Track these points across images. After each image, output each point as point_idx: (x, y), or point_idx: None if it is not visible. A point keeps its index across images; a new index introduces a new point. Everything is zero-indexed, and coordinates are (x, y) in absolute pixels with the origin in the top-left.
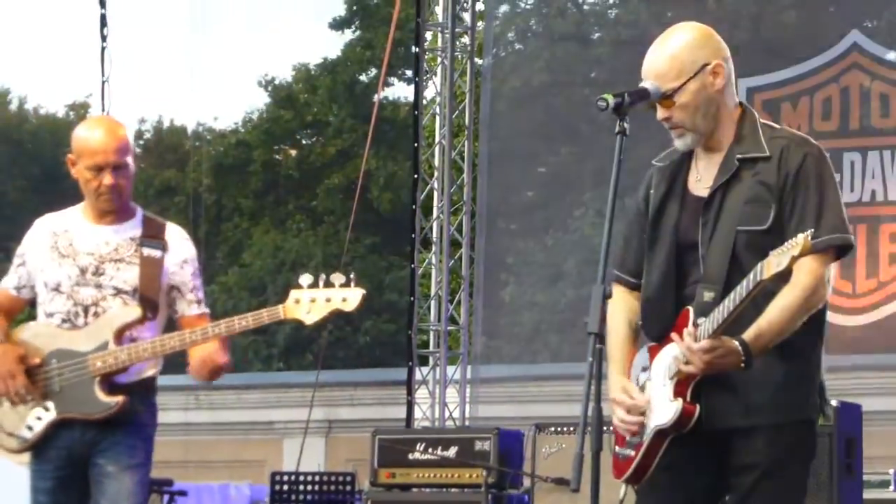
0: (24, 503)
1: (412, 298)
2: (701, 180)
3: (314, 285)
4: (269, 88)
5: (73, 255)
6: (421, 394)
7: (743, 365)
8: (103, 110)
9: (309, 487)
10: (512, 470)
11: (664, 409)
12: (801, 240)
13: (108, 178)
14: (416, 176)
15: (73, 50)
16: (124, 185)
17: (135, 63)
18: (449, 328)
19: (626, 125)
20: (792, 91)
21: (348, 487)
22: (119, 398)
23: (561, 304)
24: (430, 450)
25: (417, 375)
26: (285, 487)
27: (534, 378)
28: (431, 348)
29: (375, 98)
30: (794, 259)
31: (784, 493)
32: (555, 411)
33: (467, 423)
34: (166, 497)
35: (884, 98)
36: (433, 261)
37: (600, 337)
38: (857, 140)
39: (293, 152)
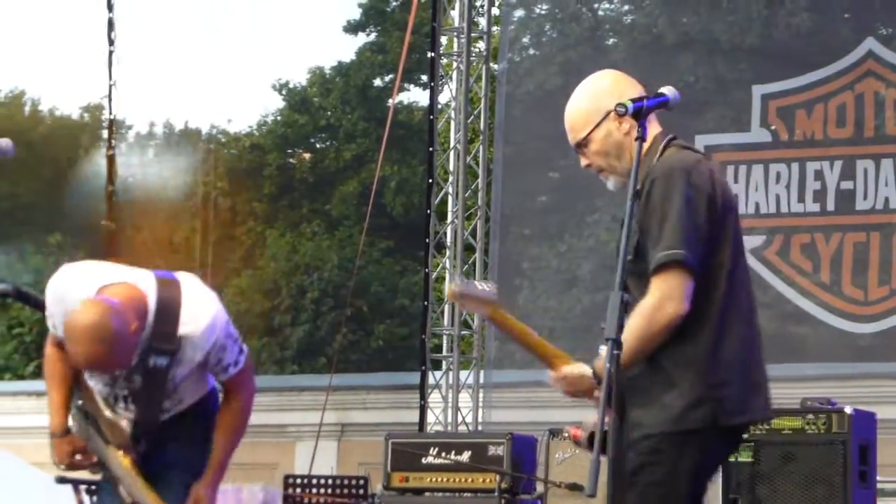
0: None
1: (426, 303)
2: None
3: None
4: (284, 92)
5: (91, 376)
6: (434, 398)
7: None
8: (111, 113)
9: (322, 491)
10: (525, 475)
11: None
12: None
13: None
14: (430, 180)
15: (87, 52)
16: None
17: (149, 66)
18: (462, 332)
19: (644, 131)
20: (806, 98)
21: (361, 491)
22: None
23: (575, 310)
24: (443, 454)
25: (430, 380)
26: (298, 490)
27: (547, 383)
28: (445, 352)
29: (390, 103)
30: None
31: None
32: (568, 417)
33: (480, 427)
34: None
35: None
36: (447, 265)
37: (617, 343)
38: (871, 147)
39: (307, 156)
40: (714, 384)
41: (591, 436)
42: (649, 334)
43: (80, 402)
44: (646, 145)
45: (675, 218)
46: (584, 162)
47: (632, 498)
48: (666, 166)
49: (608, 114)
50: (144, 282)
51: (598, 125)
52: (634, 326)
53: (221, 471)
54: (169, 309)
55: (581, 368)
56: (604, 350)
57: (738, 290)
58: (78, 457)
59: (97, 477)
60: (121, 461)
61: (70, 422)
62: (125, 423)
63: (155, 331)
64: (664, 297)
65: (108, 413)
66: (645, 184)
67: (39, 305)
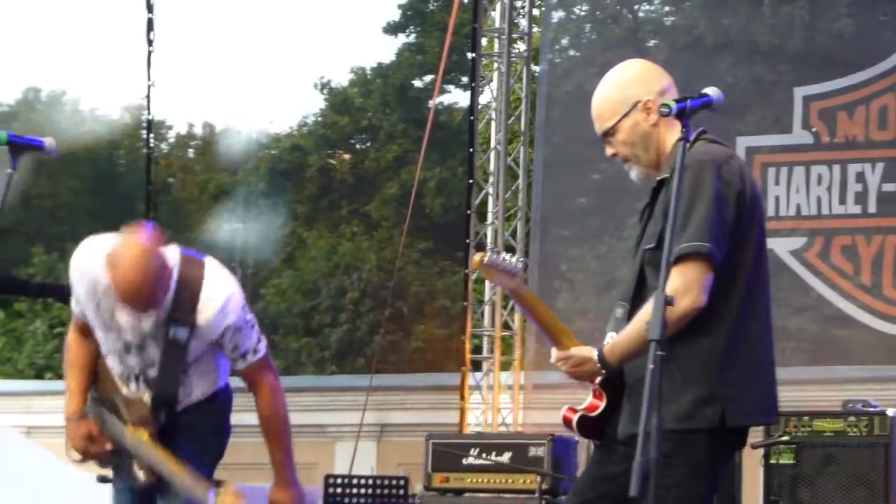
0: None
1: (466, 303)
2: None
3: None
4: (325, 91)
5: (118, 330)
6: (474, 399)
7: (603, 371)
8: (149, 113)
9: (362, 491)
10: (566, 476)
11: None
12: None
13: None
14: (470, 181)
15: (128, 52)
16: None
17: (190, 66)
18: (502, 334)
19: (688, 131)
20: (848, 100)
21: (401, 491)
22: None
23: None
24: (484, 455)
25: (471, 381)
26: (339, 490)
27: (587, 385)
28: (485, 353)
29: (431, 104)
30: None
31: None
32: None
33: (520, 428)
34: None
35: None
36: None
37: (661, 343)
38: None
39: (347, 157)
40: (725, 383)
41: (582, 419)
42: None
43: (94, 393)
44: (674, 137)
45: (704, 210)
46: (609, 151)
47: (652, 500)
48: (696, 158)
49: (636, 104)
50: (170, 253)
51: (625, 115)
52: (647, 315)
53: (286, 470)
54: (191, 282)
55: (587, 351)
56: (611, 336)
57: (757, 289)
58: (91, 444)
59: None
60: (140, 436)
61: (86, 408)
62: (147, 396)
63: (176, 301)
64: (683, 288)
65: (125, 390)
66: (674, 171)
67: (27, 290)
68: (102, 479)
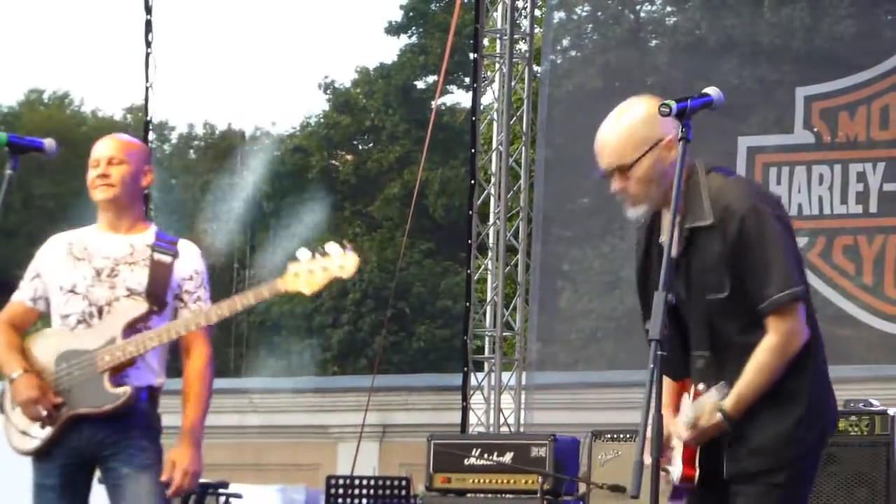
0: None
1: (468, 304)
2: (665, 240)
3: (313, 258)
4: (329, 91)
5: (89, 259)
6: (476, 399)
7: (728, 427)
8: (147, 115)
9: (364, 491)
10: (568, 476)
11: (674, 466)
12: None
13: (100, 168)
14: (472, 182)
15: (129, 54)
16: (118, 177)
17: (193, 67)
18: (504, 334)
19: (689, 132)
20: (849, 100)
21: (403, 492)
22: (126, 388)
23: (618, 312)
24: (485, 455)
25: (472, 381)
26: (340, 491)
27: (589, 385)
28: (486, 354)
29: (433, 104)
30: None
31: None
32: (610, 419)
33: (522, 429)
34: (222, 499)
35: None
36: (489, 266)
37: (661, 343)
38: None
39: (350, 157)
40: (824, 405)
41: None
42: (778, 370)
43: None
44: (685, 176)
45: (780, 254)
46: (617, 186)
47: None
48: (745, 200)
49: (659, 141)
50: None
51: (648, 151)
52: (765, 365)
53: (195, 433)
54: (167, 235)
55: (712, 419)
56: (703, 387)
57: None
58: (43, 397)
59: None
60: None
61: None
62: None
63: (158, 240)
64: (791, 334)
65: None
66: (724, 218)
67: None
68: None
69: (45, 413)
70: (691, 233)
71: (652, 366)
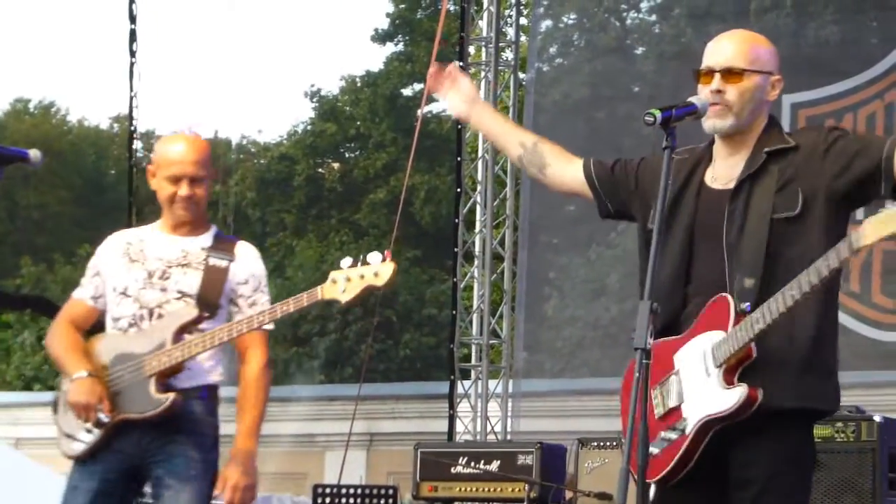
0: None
1: (454, 312)
2: (717, 179)
3: (353, 266)
4: (315, 100)
5: (143, 260)
6: (462, 407)
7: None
8: (131, 125)
9: (351, 500)
10: (554, 484)
11: (718, 397)
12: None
13: (183, 189)
14: (458, 190)
15: (115, 63)
16: (200, 196)
17: (180, 75)
18: (491, 342)
19: (673, 140)
20: (836, 107)
21: (390, 500)
22: (171, 395)
23: (604, 319)
24: (472, 463)
25: (459, 389)
26: (328, 500)
27: (576, 392)
28: (473, 362)
29: (419, 112)
30: None
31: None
32: (596, 426)
33: (509, 437)
34: None
35: None
36: (475, 274)
37: (647, 353)
38: None
39: (336, 166)
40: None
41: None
42: None
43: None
44: (764, 124)
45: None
46: (715, 86)
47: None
48: (818, 125)
49: (771, 72)
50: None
51: (761, 73)
52: None
53: (248, 445)
54: (227, 237)
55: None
56: (747, 307)
57: None
58: (98, 404)
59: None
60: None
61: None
62: (187, 305)
63: (216, 243)
64: None
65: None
66: (814, 137)
67: (8, 303)
68: None
69: (95, 419)
70: (768, 156)
71: (637, 374)
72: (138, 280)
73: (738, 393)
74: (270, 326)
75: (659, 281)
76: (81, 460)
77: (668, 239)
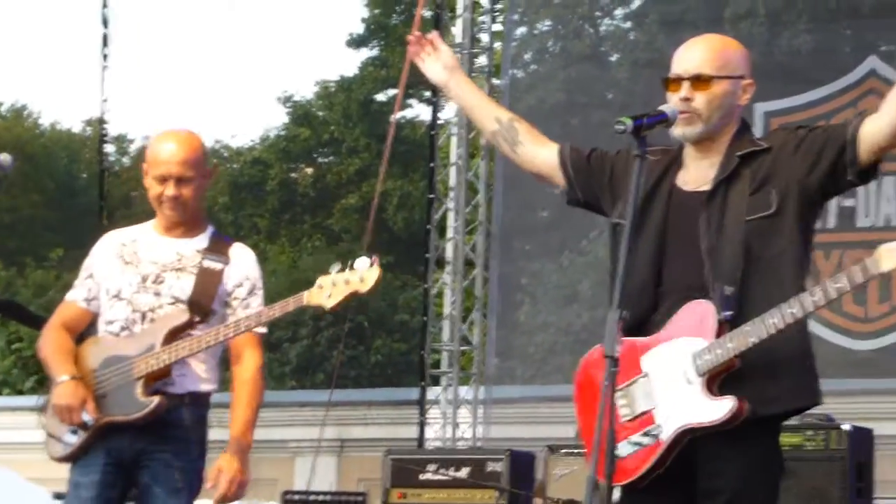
0: None
1: (425, 318)
2: (688, 183)
3: (341, 272)
4: (289, 105)
5: (137, 263)
6: (433, 414)
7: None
8: (103, 129)
9: None
10: (523, 491)
11: (703, 407)
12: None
13: (170, 190)
14: (431, 196)
15: (88, 66)
16: (188, 196)
17: (153, 79)
18: (462, 348)
19: (644, 148)
20: (809, 115)
21: None
22: (156, 398)
23: (575, 326)
24: (441, 470)
25: (430, 395)
26: None
27: (546, 399)
28: (444, 368)
29: (392, 118)
30: None
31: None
32: (567, 433)
33: (479, 443)
34: None
35: None
36: (447, 280)
37: (614, 360)
38: None
39: (309, 171)
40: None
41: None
42: None
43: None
44: (735, 128)
45: None
46: (686, 93)
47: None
48: (788, 126)
49: (742, 77)
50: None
51: (731, 78)
52: None
53: (245, 441)
54: (223, 238)
55: None
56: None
57: None
58: (82, 408)
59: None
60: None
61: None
62: (178, 308)
63: (211, 245)
64: None
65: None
66: (784, 139)
67: (28, 319)
68: (58, 496)
69: (78, 421)
70: (740, 160)
71: (606, 382)
72: (132, 284)
73: (728, 406)
74: (263, 330)
75: (629, 281)
76: (73, 459)
77: (639, 240)
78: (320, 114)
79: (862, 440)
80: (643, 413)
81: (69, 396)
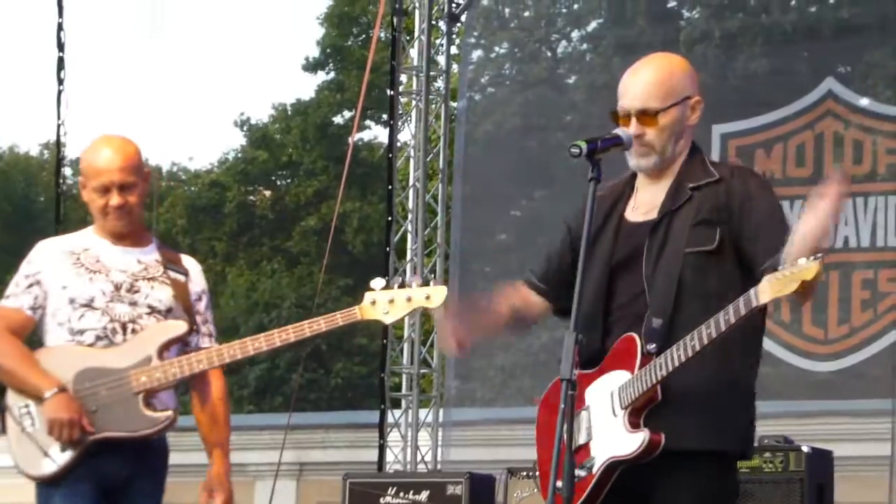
0: None
1: (384, 341)
2: (637, 209)
3: (387, 288)
4: (245, 128)
5: (105, 272)
6: (393, 437)
7: None
8: (59, 153)
9: None
10: None
11: (622, 440)
12: (811, 265)
13: (114, 199)
14: (389, 218)
15: (46, 89)
16: (133, 203)
17: (109, 103)
18: (422, 371)
19: (599, 171)
20: (766, 137)
21: None
22: (169, 412)
23: (535, 347)
24: (401, 494)
25: (389, 418)
26: None
27: (506, 421)
28: (404, 391)
29: (350, 140)
30: (801, 285)
31: None
32: (527, 455)
33: (439, 466)
34: None
35: (857, 145)
36: None
37: (572, 383)
38: None
39: (268, 193)
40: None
41: None
42: None
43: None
44: (688, 149)
45: (786, 224)
46: (635, 130)
47: None
48: (745, 167)
49: (688, 98)
50: None
51: (677, 104)
52: None
53: (227, 447)
54: (168, 248)
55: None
56: (652, 349)
57: None
58: (78, 421)
59: None
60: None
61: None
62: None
63: (164, 256)
64: None
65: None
66: (732, 174)
67: None
68: None
69: (77, 437)
70: (692, 191)
71: (563, 405)
72: (105, 293)
73: (640, 438)
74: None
75: (578, 314)
76: (57, 480)
77: (590, 273)
78: (277, 136)
79: (821, 462)
80: (581, 446)
81: (69, 410)
